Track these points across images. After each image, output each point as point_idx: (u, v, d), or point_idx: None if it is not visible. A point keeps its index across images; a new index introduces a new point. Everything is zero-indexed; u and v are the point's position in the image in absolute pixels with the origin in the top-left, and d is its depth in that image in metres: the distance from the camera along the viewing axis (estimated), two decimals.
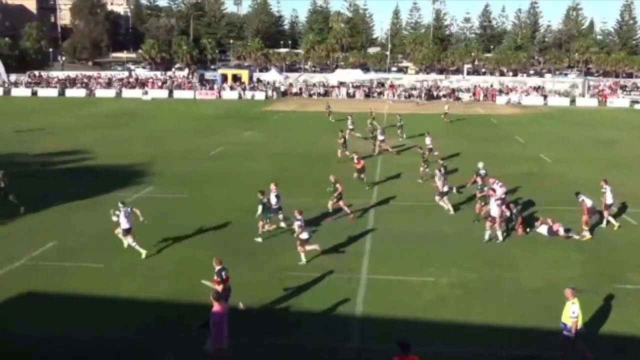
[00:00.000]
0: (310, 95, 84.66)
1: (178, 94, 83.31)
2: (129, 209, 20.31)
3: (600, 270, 19.28)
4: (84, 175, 32.11)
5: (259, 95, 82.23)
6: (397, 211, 25.74)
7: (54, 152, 38.38)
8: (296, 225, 19.57)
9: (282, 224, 22.39)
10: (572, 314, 13.05)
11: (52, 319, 15.30)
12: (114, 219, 20.19)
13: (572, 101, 78.41)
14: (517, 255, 20.47)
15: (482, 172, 26.57)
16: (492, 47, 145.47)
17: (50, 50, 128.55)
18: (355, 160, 29.91)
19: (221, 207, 26.01)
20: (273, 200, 22.17)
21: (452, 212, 25.28)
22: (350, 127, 44.69)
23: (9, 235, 22.06)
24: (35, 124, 51.95)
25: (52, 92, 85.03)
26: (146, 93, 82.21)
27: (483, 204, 24.05)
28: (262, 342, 14.43)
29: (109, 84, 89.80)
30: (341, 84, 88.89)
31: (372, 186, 29.52)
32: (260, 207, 21.61)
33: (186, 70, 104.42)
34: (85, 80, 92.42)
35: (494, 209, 21.82)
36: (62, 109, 65.76)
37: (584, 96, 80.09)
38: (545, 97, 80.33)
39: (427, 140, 36.30)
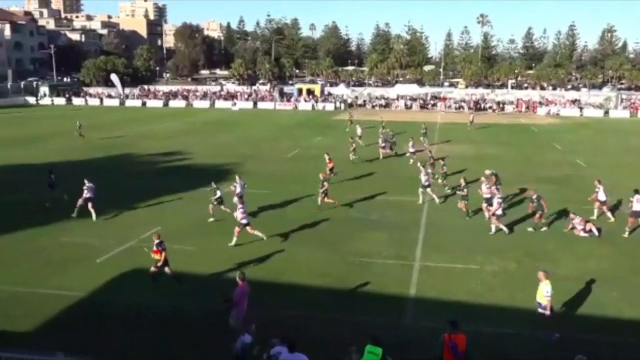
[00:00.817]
0: (373, 107, 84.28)
1: (261, 105, 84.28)
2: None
3: (631, 265, 18.55)
4: (183, 173, 32.91)
5: (329, 107, 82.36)
6: (447, 207, 25.40)
7: (159, 152, 39.47)
8: (239, 211, 19.80)
9: (228, 210, 22.80)
10: (546, 294, 13.33)
11: (155, 291, 15.77)
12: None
13: (606, 112, 75.35)
14: (553, 248, 19.88)
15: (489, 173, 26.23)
16: (533, 64, 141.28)
17: (157, 68, 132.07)
18: (327, 160, 29.94)
19: (297, 201, 26.27)
20: (238, 189, 23.24)
21: (437, 201, 25.63)
22: (359, 134, 43.97)
23: (122, 220, 22.84)
24: (144, 129, 53.59)
25: (158, 103, 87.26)
26: (235, 104, 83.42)
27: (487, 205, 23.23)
28: (327, 316, 14.52)
29: (204, 96, 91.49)
30: (400, 96, 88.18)
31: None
32: (217, 193, 23.02)
33: (268, 85, 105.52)
34: (185, 93, 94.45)
35: (497, 208, 21.41)
36: (166, 117, 67.49)
37: (616, 108, 76.74)
38: (581, 109, 77.44)
39: (409, 144, 36.62)
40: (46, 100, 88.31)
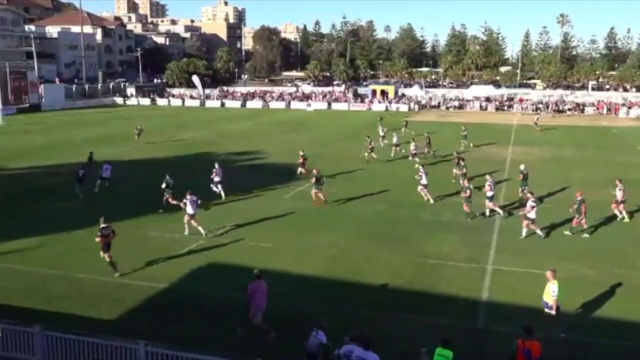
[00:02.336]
0: (447, 108, 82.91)
1: (335, 105, 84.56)
2: None
3: None
4: (259, 171, 33.52)
5: (403, 108, 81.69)
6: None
7: (236, 152, 40.34)
8: (188, 201, 20.51)
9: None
10: (552, 293, 13.19)
11: (228, 284, 16.03)
12: None
13: None
14: (632, 254, 18.96)
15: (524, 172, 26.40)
16: (616, 65, 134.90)
17: (236, 69, 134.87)
18: (300, 159, 31.14)
19: (369, 200, 26.23)
20: (216, 178, 26.02)
21: (431, 201, 25.46)
22: (381, 134, 43.72)
23: (201, 216, 23.44)
24: (222, 129, 54.96)
25: (236, 104, 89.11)
26: (309, 105, 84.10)
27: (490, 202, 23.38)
28: (397, 316, 14.43)
29: (280, 97, 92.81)
30: (475, 98, 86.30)
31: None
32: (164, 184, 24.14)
33: (343, 86, 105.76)
34: (262, 94, 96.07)
35: (529, 210, 20.40)
36: (243, 118, 68.86)
37: None
38: None
39: (412, 147, 36.14)
40: (132, 101, 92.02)
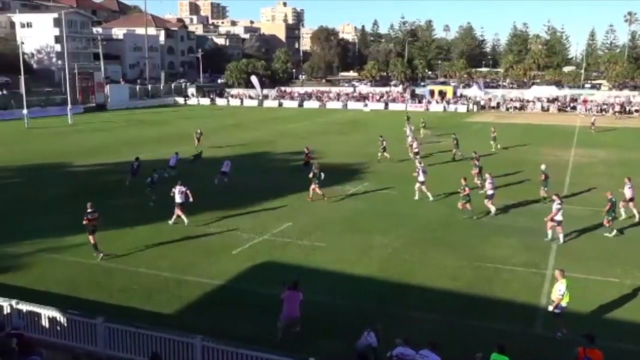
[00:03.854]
0: (507, 109, 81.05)
1: (392, 106, 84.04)
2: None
3: None
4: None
5: (461, 109, 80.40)
6: (583, 215, 23.83)
7: (293, 151, 40.56)
8: (177, 192, 21.96)
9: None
10: (558, 292, 13.17)
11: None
12: None
13: None
14: None
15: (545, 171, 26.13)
16: None
17: (294, 70, 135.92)
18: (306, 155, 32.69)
19: (429, 202, 25.91)
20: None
21: (430, 198, 25.66)
22: (408, 134, 42.99)
23: (258, 214, 23.79)
24: (280, 129, 55.51)
25: (294, 104, 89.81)
26: (366, 105, 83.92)
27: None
28: (453, 320, 14.21)
29: (337, 97, 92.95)
30: (536, 99, 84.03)
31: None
32: (149, 179, 25.59)
33: (400, 86, 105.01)
34: (319, 94, 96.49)
35: (555, 213, 19.72)
36: (300, 118, 69.33)
37: None
38: None
39: (409, 139, 36.93)
40: (193, 101, 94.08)
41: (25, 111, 59.49)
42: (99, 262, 18.03)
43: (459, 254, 18.91)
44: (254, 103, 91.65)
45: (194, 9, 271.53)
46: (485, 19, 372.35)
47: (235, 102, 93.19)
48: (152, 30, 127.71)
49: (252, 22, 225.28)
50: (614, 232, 21.06)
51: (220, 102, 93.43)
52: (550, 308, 13.43)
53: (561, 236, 20.13)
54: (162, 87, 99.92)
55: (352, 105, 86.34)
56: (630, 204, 22.98)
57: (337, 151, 40.30)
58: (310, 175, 26.14)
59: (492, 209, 23.62)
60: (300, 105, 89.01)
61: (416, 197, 26.17)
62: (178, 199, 21.96)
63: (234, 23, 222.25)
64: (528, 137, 49.95)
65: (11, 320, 12.38)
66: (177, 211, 21.99)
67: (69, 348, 12.19)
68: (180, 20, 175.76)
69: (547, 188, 25.61)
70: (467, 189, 23.18)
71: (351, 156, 37.53)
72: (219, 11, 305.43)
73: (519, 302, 15.29)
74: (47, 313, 12.79)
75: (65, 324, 12.61)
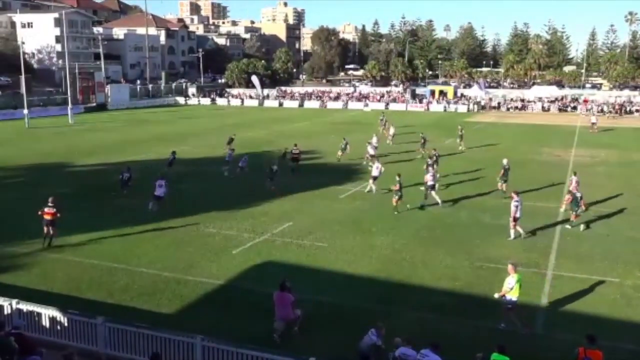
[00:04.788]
0: (508, 109, 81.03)
1: (393, 106, 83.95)
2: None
3: None
4: (315, 170, 33.66)
5: (462, 109, 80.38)
6: (584, 215, 23.78)
7: (292, 151, 40.52)
8: (157, 184, 23.61)
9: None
10: (507, 285, 13.45)
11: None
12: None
13: None
14: None
15: (507, 167, 26.89)
16: None
17: (294, 70, 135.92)
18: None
19: (428, 201, 25.90)
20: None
21: (373, 191, 26.52)
22: (391, 133, 43.79)
23: (258, 214, 23.78)
24: (281, 129, 55.51)
25: (294, 104, 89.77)
26: (367, 105, 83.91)
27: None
28: (454, 320, 14.21)
29: (337, 97, 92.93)
30: (537, 99, 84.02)
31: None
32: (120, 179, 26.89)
33: (400, 86, 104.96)
34: (320, 94, 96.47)
35: (515, 212, 20.25)
36: (301, 117, 69.30)
37: None
38: None
39: (374, 140, 36.43)
40: (193, 101, 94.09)
41: (25, 111, 59.45)
42: (99, 262, 18.02)
43: (460, 254, 18.90)
44: (255, 103, 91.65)
45: (195, 9, 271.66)
46: (486, 18, 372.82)
47: (235, 102, 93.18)
48: (152, 30, 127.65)
49: (252, 22, 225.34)
50: (581, 227, 21.68)
51: (220, 102, 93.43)
52: (496, 295, 13.75)
53: (512, 232, 20.44)
54: (162, 87, 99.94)
55: (353, 105, 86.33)
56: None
57: (356, 152, 40.19)
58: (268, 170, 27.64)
59: (438, 199, 25.01)
60: (301, 105, 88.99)
61: (368, 189, 27.60)
62: (156, 192, 23.75)
63: (234, 23, 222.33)
64: (529, 137, 49.99)
65: (11, 320, 12.39)
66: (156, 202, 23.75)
67: (69, 348, 12.19)
68: (180, 20, 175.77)
69: (505, 184, 26.44)
70: (398, 185, 23.82)
71: (351, 156, 37.44)
72: (220, 11, 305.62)
73: (520, 302, 15.23)
74: (47, 313, 12.78)
75: (66, 324, 12.61)
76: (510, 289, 13.43)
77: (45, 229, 19.25)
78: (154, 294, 15.74)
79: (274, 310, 13.20)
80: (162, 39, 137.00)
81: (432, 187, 25.33)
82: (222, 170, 31.63)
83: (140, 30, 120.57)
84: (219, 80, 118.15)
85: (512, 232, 20.55)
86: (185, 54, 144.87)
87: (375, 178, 27.31)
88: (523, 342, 12.86)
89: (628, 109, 75.70)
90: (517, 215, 20.22)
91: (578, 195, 22.23)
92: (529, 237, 20.70)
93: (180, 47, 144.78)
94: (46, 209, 19.30)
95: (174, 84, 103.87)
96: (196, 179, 31.28)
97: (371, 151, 34.74)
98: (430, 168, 26.72)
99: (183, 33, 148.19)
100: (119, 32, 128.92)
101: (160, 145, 42.98)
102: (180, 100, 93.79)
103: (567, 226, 21.98)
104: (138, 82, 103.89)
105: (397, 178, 24.10)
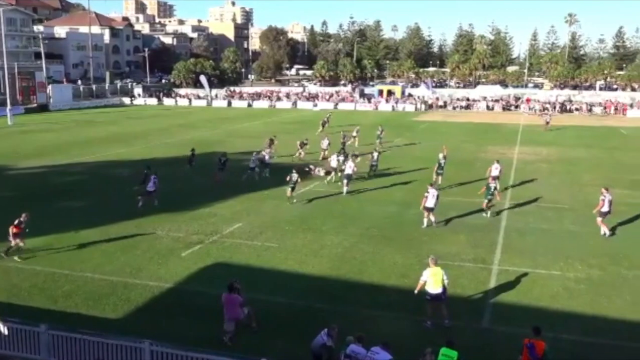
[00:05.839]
0: (454, 108, 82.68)
1: (342, 105, 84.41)
2: None
3: None
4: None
5: (409, 108, 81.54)
6: (528, 211, 24.58)
7: (244, 151, 40.20)
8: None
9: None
10: (421, 278, 13.95)
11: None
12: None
13: None
14: None
15: (442, 162, 28.68)
16: (624, 65, 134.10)
17: (243, 70, 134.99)
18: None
19: (379, 201, 26.20)
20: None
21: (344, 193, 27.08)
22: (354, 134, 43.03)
23: (208, 216, 23.51)
24: (230, 129, 55.04)
25: (243, 104, 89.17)
26: (316, 105, 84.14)
27: None
28: (403, 316, 14.39)
29: (287, 97, 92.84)
30: (482, 98, 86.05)
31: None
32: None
33: (349, 86, 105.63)
34: (269, 94, 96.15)
35: (425, 201, 21.77)
36: (250, 117, 68.90)
37: None
38: None
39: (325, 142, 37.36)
40: (139, 101, 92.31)
41: None
42: (42, 268, 17.44)
43: (409, 252, 19.15)
44: (203, 103, 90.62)
45: (140, 7, 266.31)
46: (432, 19, 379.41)
47: (183, 102, 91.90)
48: (96, 29, 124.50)
49: (200, 21, 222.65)
50: (489, 213, 23.36)
51: (168, 102, 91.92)
52: (416, 291, 14.13)
53: (425, 220, 21.67)
54: (107, 87, 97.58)
55: (302, 104, 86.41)
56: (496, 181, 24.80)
57: (288, 151, 40.18)
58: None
59: (344, 189, 27.09)
60: (250, 105, 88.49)
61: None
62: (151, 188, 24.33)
63: (181, 22, 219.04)
64: (474, 135, 51.13)
65: None
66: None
67: (10, 358, 11.75)
68: (125, 18, 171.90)
69: (440, 177, 28.36)
70: (294, 176, 25.43)
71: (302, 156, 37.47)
72: (166, 10, 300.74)
73: (467, 297, 15.60)
74: None
75: (6, 333, 12.14)
76: (423, 280, 13.85)
77: (21, 242, 18.33)
78: (99, 299, 15.34)
79: (223, 312, 13.06)
80: (106, 37, 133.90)
81: (348, 177, 27.27)
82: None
83: (83, 29, 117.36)
84: (163, 80, 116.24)
85: (425, 220, 21.84)
86: (131, 54, 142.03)
87: (348, 176, 27.59)
88: (471, 336, 13.14)
89: (568, 107, 78.34)
90: (429, 205, 21.60)
91: (492, 186, 23.74)
92: (441, 226, 21.92)
93: (125, 46, 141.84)
94: (19, 225, 18.30)
95: (119, 84, 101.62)
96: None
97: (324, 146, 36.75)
98: (350, 162, 28.08)
99: (128, 32, 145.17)
100: (60, 31, 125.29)
101: (107, 147, 42.06)
102: (126, 100, 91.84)
103: (484, 214, 23.33)
104: (79, 82, 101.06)
105: (294, 172, 25.71)
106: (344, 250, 19.35)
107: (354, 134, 42.91)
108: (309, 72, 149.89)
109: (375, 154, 31.57)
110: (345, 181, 27.49)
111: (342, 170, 28.53)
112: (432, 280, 13.70)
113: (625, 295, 15.64)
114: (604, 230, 20.90)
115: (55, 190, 28.23)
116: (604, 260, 18.26)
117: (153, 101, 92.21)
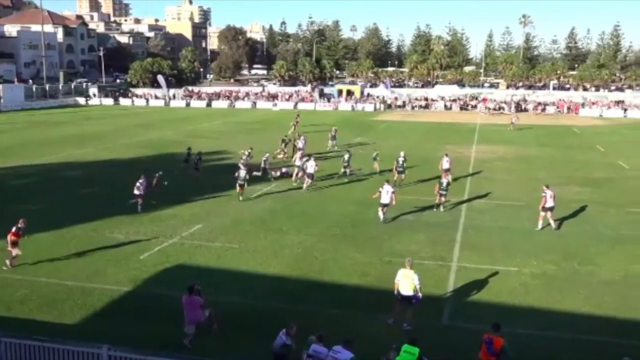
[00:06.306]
0: (413, 108, 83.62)
1: (301, 105, 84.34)
2: None
3: None
4: (225, 171, 33.06)
5: (369, 107, 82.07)
6: (485, 208, 25.06)
7: (203, 152, 39.87)
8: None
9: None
10: (396, 277, 13.97)
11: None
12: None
13: None
14: (595, 251, 19.37)
15: (401, 160, 29.37)
16: (576, 65, 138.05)
17: (201, 69, 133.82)
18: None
19: (339, 200, 26.29)
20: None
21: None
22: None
23: (166, 217, 23.21)
24: (189, 129, 54.44)
25: (202, 104, 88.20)
26: (275, 105, 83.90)
27: None
28: (365, 315, 14.49)
29: (246, 97, 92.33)
30: (440, 97, 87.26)
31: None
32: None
33: (309, 86, 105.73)
34: (228, 94, 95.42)
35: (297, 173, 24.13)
36: (210, 118, 68.26)
37: None
38: (625, 110, 75.30)
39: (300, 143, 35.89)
40: (95, 101, 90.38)
41: None
42: None
43: (369, 250, 19.30)
44: (161, 103, 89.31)
45: (95, 6, 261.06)
46: (390, 19, 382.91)
47: (140, 102, 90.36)
48: (49, 28, 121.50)
49: (157, 20, 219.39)
50: (442, 208, 24.34)
51: (124, 102, 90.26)
52: (395, 292, 14.09)
53: (381, 215, 22.50)
54: (61, 87, 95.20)
55: (262, 104, 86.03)
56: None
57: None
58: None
59: (304, 187, 28.05)
60: (209, 105, 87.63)
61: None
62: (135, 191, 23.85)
63: (137, 21, 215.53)
64: (432, 134, 51.82)
65: None
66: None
67: None
68: (79, 17, 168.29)
69: (403, 175, 29.50)
70: (241, 173, 25.93)
71: (261, 154, 37.31)
72: (122, 8, 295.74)
73: (427, 294, 15.73)
74: None
75: None
76: (397, 282, 13.91)
77: (18, 251, 17.45)
78: (55, 304, 14.98)
79: (184, 314, 12.93)
80: (60, 36, 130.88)
81: (310, 176, 28.01)
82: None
83: (36, 27, 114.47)
84: (117, 80, 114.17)
85: (381, 215, 22.48)
86: (86, 53, 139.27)
87: (310, 175, 28.06)
88: (431, 333, 13.31)
89: (523, 106, 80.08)
90: (384, 201, 22.23)
91: (444, 181, 24.56)
92: (389, 222, 22.41)
93: (79, 45, 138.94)
94: (18, 231, 17.50)
95: (73, 84, 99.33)
96: (100, 182, 30.04)
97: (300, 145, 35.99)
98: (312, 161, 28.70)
99: (82, 30, 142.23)
100: (11, 29, 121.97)
101: (62, 148, 41.10)
102: (81, 100, 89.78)
103: (435, 210, 24.25)
104: (31, 81, 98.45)
105: (243, 168, 26.38)
106: (305, 250, 19.38)
107: (332, 133, 43.17)
108: (260, 72, 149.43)
109: (347, 155, 31.57)
110: (308, 180, 27.93)
111: (304, 170, 28.72)
112: (404, 282, 13.76)
113: (579, 290, 16.11)
114: (541, 224, 21.74)
115: (8, 193, 27.45)
116: (558, 256, 18.76)
117: (109, 101, 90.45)
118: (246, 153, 31.36)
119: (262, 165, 31.18)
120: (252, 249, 19.45)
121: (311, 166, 27.95)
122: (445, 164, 29.08)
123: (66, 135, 49.12)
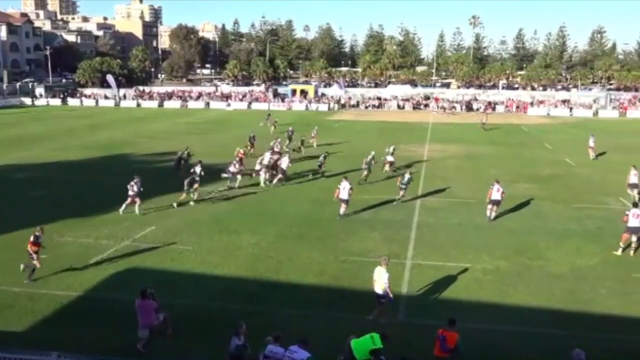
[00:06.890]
0: (366, 107, 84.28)
1: (255, 105, 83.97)
2: None
3: (619, 261, 18.59)
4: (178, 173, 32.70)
5: (323, 107, 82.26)
6: (438, 206, 25.45)
7: (155, 152, 39.32)
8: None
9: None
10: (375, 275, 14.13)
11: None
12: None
13: (595, 113, 75.58)
14: (544, 246, 19.92)
15: (369, 158, 30.12)
16: (524, 65, 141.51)
17: (152, 69, 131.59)
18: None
19: (295, 200, 26.27)
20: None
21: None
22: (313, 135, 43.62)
23: (119, 220, 22.72)
24: (140, 130, 53.45)
25: (153, 104, 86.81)
26: (229, 105, 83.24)
27: None
28: (321, 314, 14.51)
29: (199, 97, 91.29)
30: (393, 97, 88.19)
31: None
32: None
33: (262, 86, 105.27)
34: (180, 94, 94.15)
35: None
36: (162, 118, 67.26)
37: (606, 108, 77.00)
38: (571, 109, 77.65)
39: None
40: (42, 101, 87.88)
41: None
42: None
43: (325, 249, 19.34)
44: (111, 103, 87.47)
45: (40, 3, 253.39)
46: (343, 19, 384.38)
47: (89, 102, 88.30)
48: None
49: (105, 18, 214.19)
50: (395, 202, 25.26)
51: (72, 102, 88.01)
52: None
53: (341, 210, 22.96)
54: (5, 87, 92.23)
55: (215, 104, 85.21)
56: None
57: (201, 151, 39.44)
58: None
59: (271, 184, 28.83)
60: (161, 105, 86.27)
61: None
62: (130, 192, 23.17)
63: (85, 19, 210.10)
64: (386, 133, 52.23)
65: None
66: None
67: None
68: (24, 14, 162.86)
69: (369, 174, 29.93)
70: (197, 169, 26.03)
71: (215, 156, 36.93)
72: (69, 6, 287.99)
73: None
74: None
75: None
76: (374, 280, 14.07)
77: (39, 263, 16.55)
78: (1, 311, 14.47)
79: (137, 318, 12.68)
80: (3, 34, 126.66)
81: (283, 172, 29.02)
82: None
83: None
84: (63, 80, 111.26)
85: (341, 210, 23.08)
86: (31, 52, 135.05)
87: (283, 171, 29.15)
88: (388, 330, 13.40)
89: (473, 106, 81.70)
90: (343, 197, 22.91)
91: (407, 177, 25.60)
92: (344, 218, 22.91)
93: (24, 43, 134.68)
94: (38, 240, 16.61)
95: (18, 84, 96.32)
96: (48, 184, 29.20)
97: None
98: (286, 158, 29.97)
99: (27, 28, 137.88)
100: None
101: (6, 150, 39.78)
102: (27, 101, 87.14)
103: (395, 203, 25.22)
104: None
105: (198, 166, 26.41)
106: (261, 250, 19.29)
107: (313, 134, 43.26)
108: (213, 72, 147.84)
109: (321, 156, 31.98)
110: (280, 175, 29.11)
111: (274, 167, 29.65)
112: (377, 280, 13.94)
113: (529, 284, 16.52)
114: (489, 214, 22.81)
115: None
116: (509, 252, 19.21)
117: (57, 102, 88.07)
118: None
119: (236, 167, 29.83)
120: (207, 250, 19.24)
121: (285, 162, 29.06)
122: (389, 157, 32.36)
123: (11, 137, 47.56)
